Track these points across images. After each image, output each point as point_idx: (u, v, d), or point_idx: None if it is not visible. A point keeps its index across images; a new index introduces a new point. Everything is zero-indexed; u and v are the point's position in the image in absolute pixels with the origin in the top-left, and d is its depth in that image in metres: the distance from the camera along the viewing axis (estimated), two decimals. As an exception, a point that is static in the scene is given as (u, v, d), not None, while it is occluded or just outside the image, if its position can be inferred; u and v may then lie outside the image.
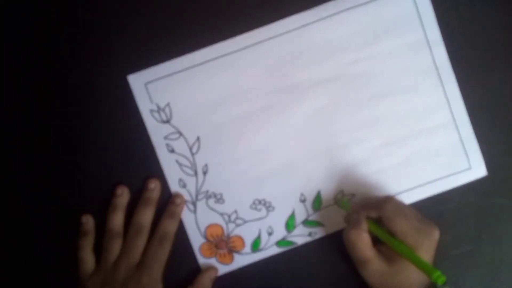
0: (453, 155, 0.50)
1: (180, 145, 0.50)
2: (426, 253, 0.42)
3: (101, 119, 0.50)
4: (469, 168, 0.50)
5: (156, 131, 0.50)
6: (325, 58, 0.49)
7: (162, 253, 0.48)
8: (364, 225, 0.44)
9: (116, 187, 0.49)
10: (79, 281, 0.48)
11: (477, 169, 0.50)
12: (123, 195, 0.49)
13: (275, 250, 0.50)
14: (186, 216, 0.50)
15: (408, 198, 0.49)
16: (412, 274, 0.42)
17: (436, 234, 0.43)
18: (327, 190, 0.50)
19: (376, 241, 0.44)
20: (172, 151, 0.50)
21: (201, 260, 0.50)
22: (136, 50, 0.49)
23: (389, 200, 0.44)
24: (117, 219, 0.49)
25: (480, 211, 0.50)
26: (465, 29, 0.50)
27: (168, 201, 0.49)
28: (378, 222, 0.45)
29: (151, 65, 0.49)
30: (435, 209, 0.49)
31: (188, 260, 0.50)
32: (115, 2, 0.49)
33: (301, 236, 0.50)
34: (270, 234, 0.50)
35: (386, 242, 0.43)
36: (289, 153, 0.50)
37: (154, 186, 0.49)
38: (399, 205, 0.44)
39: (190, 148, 0.50)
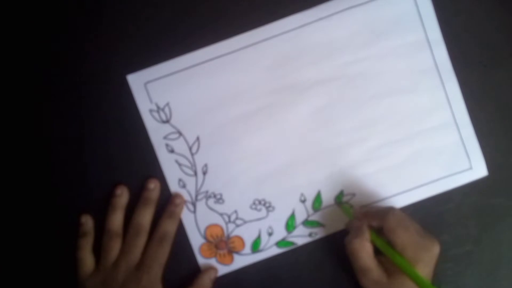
0: (454, 155, 0.49)
1: (179, 145, 0.50)
2: (425, 268, 0.42)
3: (101, 119, 0.50)
4: (470, 168, 0.50)
5: (155, 131, 0.49)
6: (325, 58, 0.49)
7: (162, 253, 0.48)
8: (367, 235, 0.44)
9: (115, 187, 0.49)
10: (79, 282, 0.48)
11: (478, 169, 0.50)
12: (122, 195, 0.49)
13: (275, 251, 0.50)
14: (186, 216, 0.50)
15: (409, 198, 0.49)
16: None
17: (436, 249, 0.43)
18: (327, 190, 0.50)
19: (376, 252, 0.44)
20: (171, 151, 0.50)
21: (201, 260, 0.50)
22: (136, 50, 0.49)
23: (392, 211, 0.44)
24: (117, 219, 0.49)
25: (480, 211, 0.50)
26: (466, 29, 0.50)
27: (167, 201, 0.49)
28: (378, 232, 0.45)
29: (150, 64, 0.49)
30: (435, 209, 0.49)
31: (188, 260, 0.50)
32: (114, 1, 0.49)
33: (301, 237, 0.50)
34: (270, 234, 0.50)
35: (386, 253, 0.43)
36: (289, 153, 0.50)
37: (153, 186, 0.49)
38: (402, 217, 0.44)
39: (190, 148, 0.50)
